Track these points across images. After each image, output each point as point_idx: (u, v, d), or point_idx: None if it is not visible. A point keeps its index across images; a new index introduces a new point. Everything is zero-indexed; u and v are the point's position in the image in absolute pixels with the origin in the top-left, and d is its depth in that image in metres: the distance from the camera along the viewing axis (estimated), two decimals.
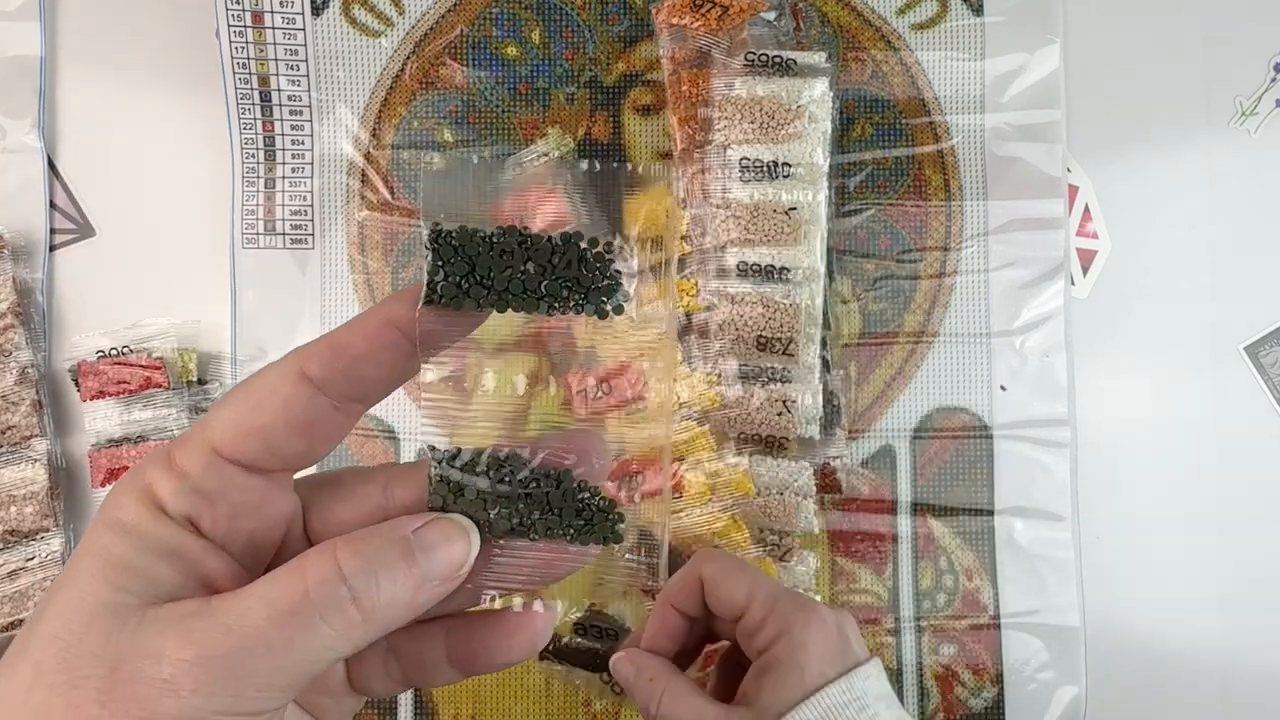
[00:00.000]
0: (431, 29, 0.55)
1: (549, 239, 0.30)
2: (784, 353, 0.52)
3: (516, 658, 0.27)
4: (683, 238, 0.53)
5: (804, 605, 0.40)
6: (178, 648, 0.21)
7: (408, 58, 0.55)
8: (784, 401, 0.51)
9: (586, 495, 0.29)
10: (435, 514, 0.26)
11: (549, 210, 0.54)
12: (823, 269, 0.52)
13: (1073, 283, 0.56)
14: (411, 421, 0.55)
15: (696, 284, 0.53)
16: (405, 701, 0.54)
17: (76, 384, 0.52)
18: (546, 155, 0.54)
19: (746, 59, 0.51)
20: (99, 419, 0.52)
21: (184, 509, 0.23)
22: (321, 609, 0.22)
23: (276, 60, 0.54)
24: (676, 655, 0.44)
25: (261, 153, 0.55)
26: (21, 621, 0.51)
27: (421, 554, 0.24)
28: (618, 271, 0.30)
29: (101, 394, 0.52)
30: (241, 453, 0.24)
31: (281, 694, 0.22)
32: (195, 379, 0.54)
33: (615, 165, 0.34)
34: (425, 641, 0.27)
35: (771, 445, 0.53)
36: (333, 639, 0.22)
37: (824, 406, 0.52)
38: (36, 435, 0.52)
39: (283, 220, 0.55)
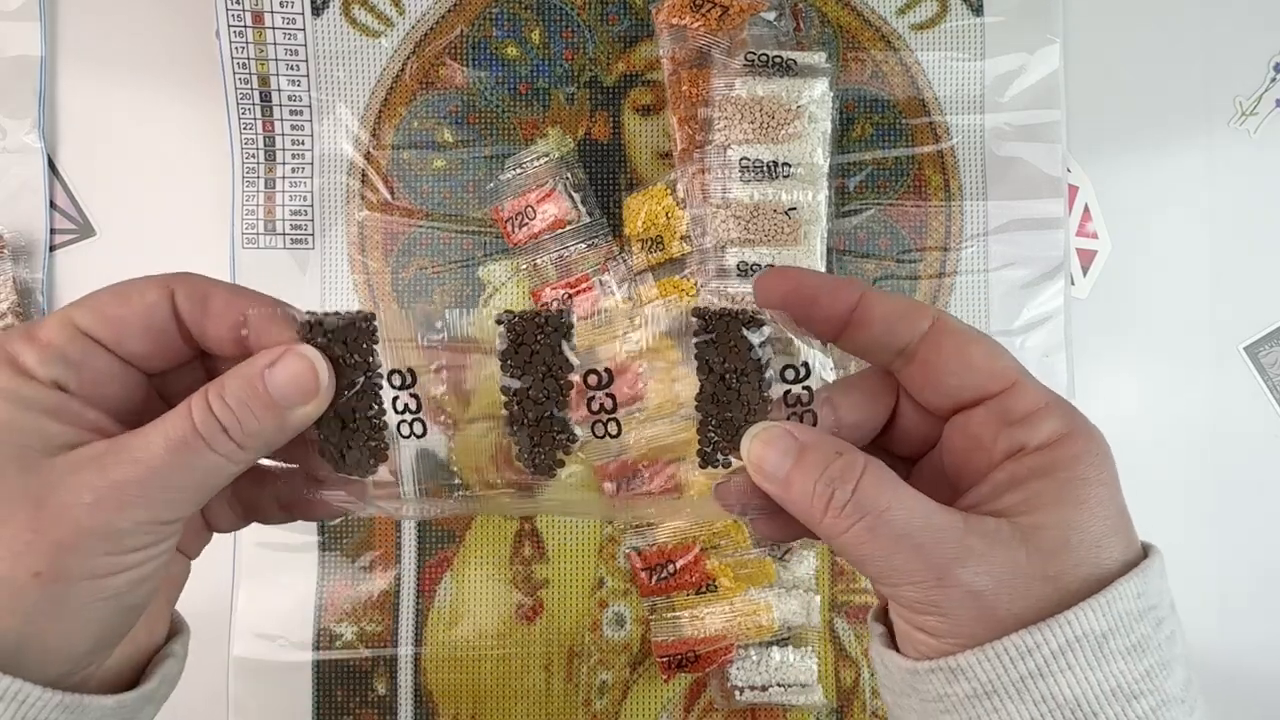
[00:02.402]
0: (431, 29, 0.55)
1: None
2: (784, 352, 0.52)
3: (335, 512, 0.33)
4: (682, 238, 0.53)
5: (1086, 423, 0.29)
6: (96, 477, 0.25)
7: (408, 58, 0.55)
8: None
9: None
10: (286, 347, 0.29)
11: (547, 208, 0.54)
12: (823, 269, 0.52)
13: (1072, 283, 0.56)
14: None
15: (696, 284, 0.53)
16: (405, 702, 0.54)
17: None
18: (546, 156, 0.54)
19: (746, 59, 0.51)
20: None
21: (51, 375, 0.27)
22: (207, 439, 0.27)
23: (277, 60, 0.54)
24: None
25: (261, 153, 0.55)
26: None
27: (274, 388, 0.28)
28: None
29: None
30: (98, 332, 0.28)
31: (187, 504, 0.27)
32: None
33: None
34: (261, 489, 0.32)
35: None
36: (221, 462, 0.27)
37: None
38: None
39: (283, 220, 0.55)
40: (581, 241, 0.54)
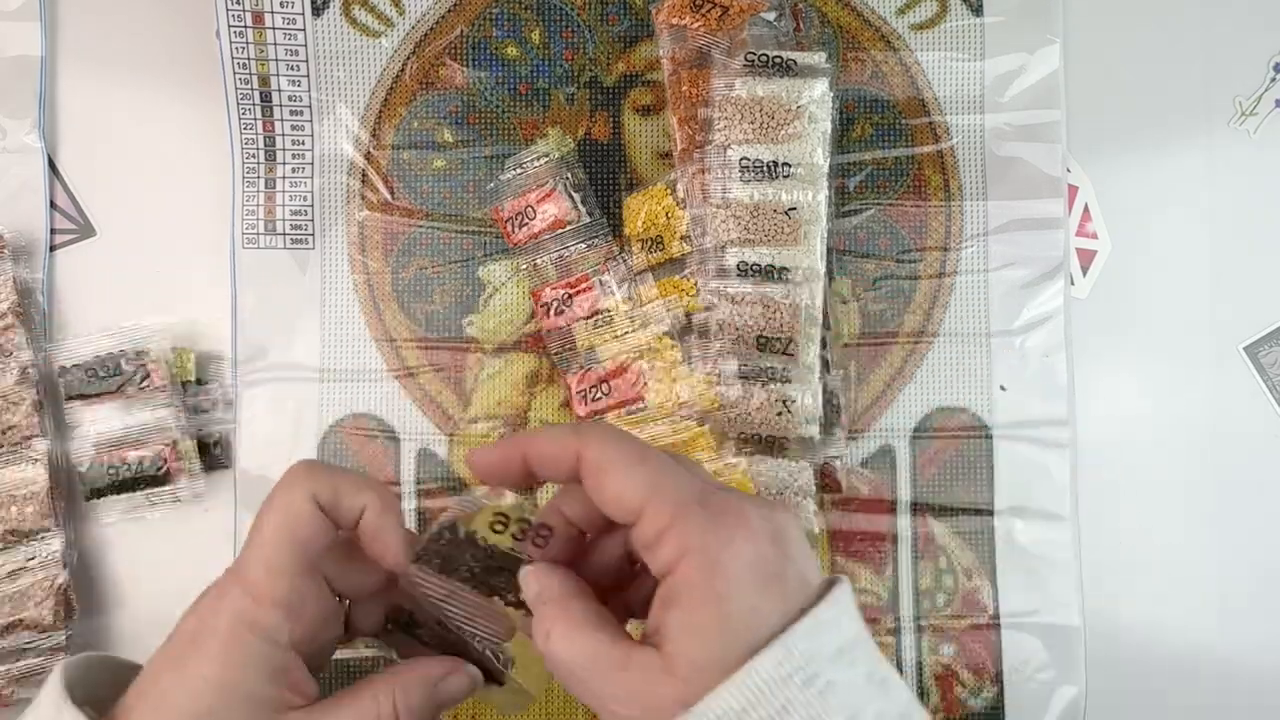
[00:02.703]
0: (431, 29, 0.55)
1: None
2: (784, 352, 0.52)
3: None
4: (682, 238, 0.53)
5: (721, 505, 0.29)
6: None
7: (408, 58, 0.55)
8: (784, 401, 0.51)
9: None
10: (456, 663, 0.36)
11: (547, 208, 0.54)
12: (823, 269, 0.52)
13: (1072, 283, 0.56)
14: (412, 423, 0.55)
15: (696, 284, 0.53)
16: None
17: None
18: (546, 156, 0.54)
19: (746, 59, 0.51)
20: (98, 420, 0.52)
21: (285, 637, 0.33)
22: None
23: (277, 60, 0.54)
24: (609, 583, 0.35)
25: (262, 153, 0.55)
26: (21, 621, 0.51)
27: (443, 697, 0.35)
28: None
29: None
30: (306, 566, 0.34)
31: None
32: (194, 379, 0.54)
33: None
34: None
35: (771, 445, 0.53)
36: None
37: (824, 406, 0.53)
38: (37, 435, 0.52)
39: (283, 220, 0.55)
40: (581, 241, 0.54)
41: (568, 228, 0.54)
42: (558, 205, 0.54)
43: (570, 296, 0.54)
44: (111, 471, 0.53)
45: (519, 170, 0.54)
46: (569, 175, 0.54)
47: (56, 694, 0.32)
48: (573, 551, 0.35)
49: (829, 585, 0.30)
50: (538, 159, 0.54)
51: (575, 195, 0.54)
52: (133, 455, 0.52)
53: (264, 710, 0.32)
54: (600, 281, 0.54)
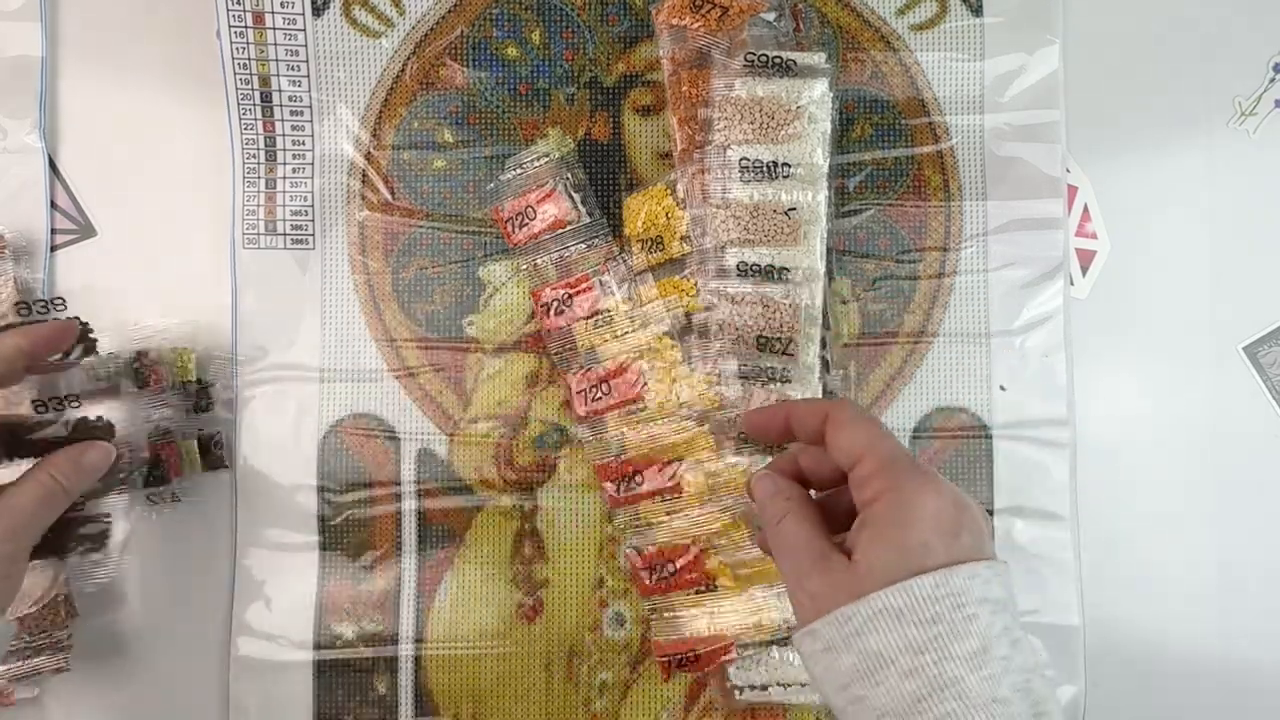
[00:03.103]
0: (432, 30, 0.55)
1: None
2: (784, 353, 0.52)
3: None
4: (682, 238, 0.53)
5: (921, 470, 0.38)
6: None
7: (408, 58, 0.55)
8: (784, 401, 0.51)
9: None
10: (92, 443, 0.48)
11: (547, 209, 0.54)
12: (822, 269, 0.52)
13: (1072, 283, 0.56)
14: (412, 423, 0.55)
15: (696, 284, 0.53)
16: (405, 701, 0.54)
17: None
18: (547, 156, 0.54)
19: (746, 59, 0.51)
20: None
21: None
22: (56, 498, 0.46)
23: (277, 60, 0.54)
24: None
25: (262, 153, 0.55)
26: (23, 620, 0.51)
27: (89, 463, 0.48)
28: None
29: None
30: None
31: (35, 536, 0.46)
32: (194, 379, 0.54)
33: None
34: None
35: (771, 445, 0.53)
36: (59, 509, 0.46)
37: None
38: None
39: (283, 220, 0.55)
40: (581, 242, 0.54)
41: (568, 228, 0.54)
42: (558, 205, 0.54)
43: (570, 297, 0.54)
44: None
45: (519, 170, 0.54)
46: (569, 175, 0.54)
47: None
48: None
49: (997, 561, 0.37)
50: (538, 159, 0.54)
51: (575, 195, 0.54)
52: (133, 456, 0.52)
53: None
54: (600, 282, 0.54)
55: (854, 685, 0.35)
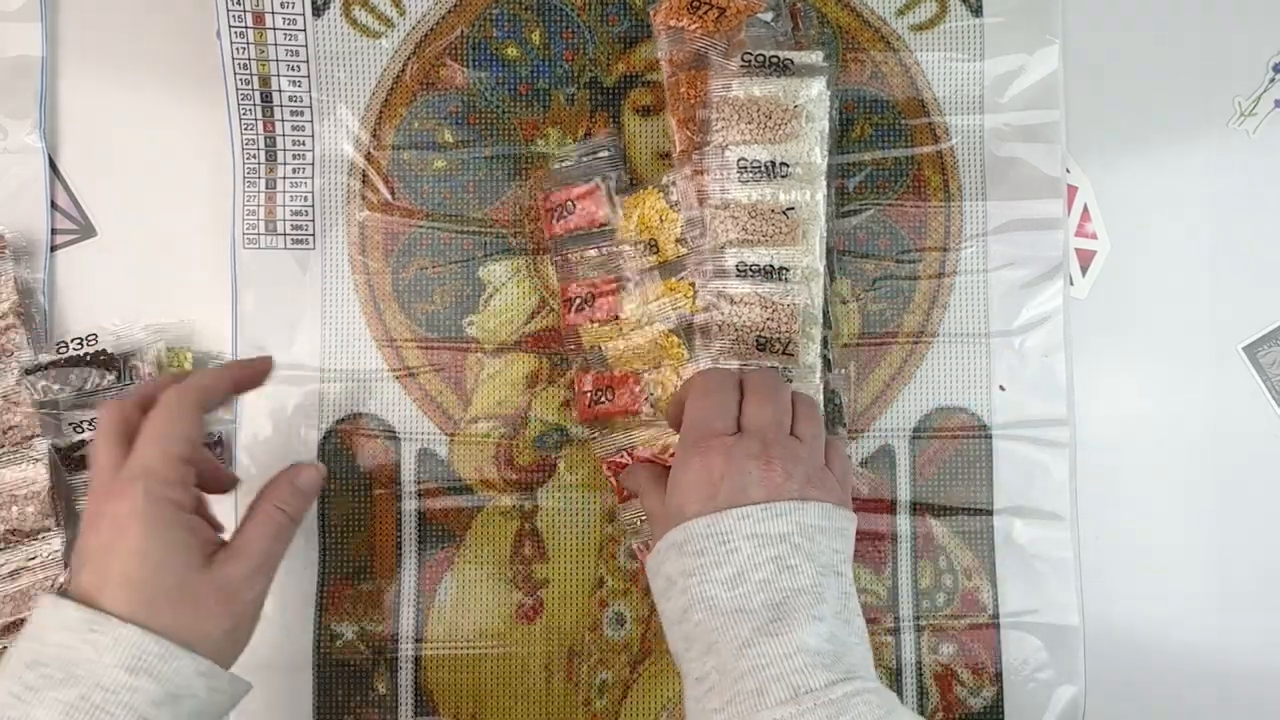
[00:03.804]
0: (432, 30, 0.55)
1: None
2: (784, 352, 0.52)
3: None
4: (677, 240, 0.53)
5: (685, 446, 0.45)
6: (239, 568, 0.43)
7: (408, 58, 0.55)
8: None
9: None
10: (304, 464, 0.48)
11: (586, 206, 0.53)
12: (822, 268, 0.52)
13: (1071, 283, 0.56)
14: (412, 422, 0.55)
15: (693, 285, 0.53)
16: (405, 701, 0.54)
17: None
18: (598, 153, 0.54)
19: (743, 60, 0.51)
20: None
21: (190, 504, 0.43)
22: (283, 529, 0.46)
23: (277, 61, 0.54)
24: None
25: (262, 153, 0.55)
26: (23, 620, 0.51)
27: (305, 486, 0.48)
28: None
29: None
30: (188, 455, 0.43)
31: (274, 570, 0.45)
32: None
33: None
34: None
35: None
36: (290, 539, 0.46)
37: (825, 406, 0.53)
38: (38, 435, 0.52)
39: (283, 220, 0.55)
40: (612, 244, 0.54)
41: (603, 229, 0.53)
42: (596, 205, 0.53)
43: (593, 297, 0.53)
44: None
45: (569, 161, 0.54)
46: (613, 177, 0.54)
47: (49, 599, 0.41)
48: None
49: (799, 502, 0.43)
50: (590, 154, 0.54)
51: (616, 199, 0.54)
52: None
53: (195, 557, 0.41)
54: (626, 289, 0.53)
55: (660, 600, 0.44)
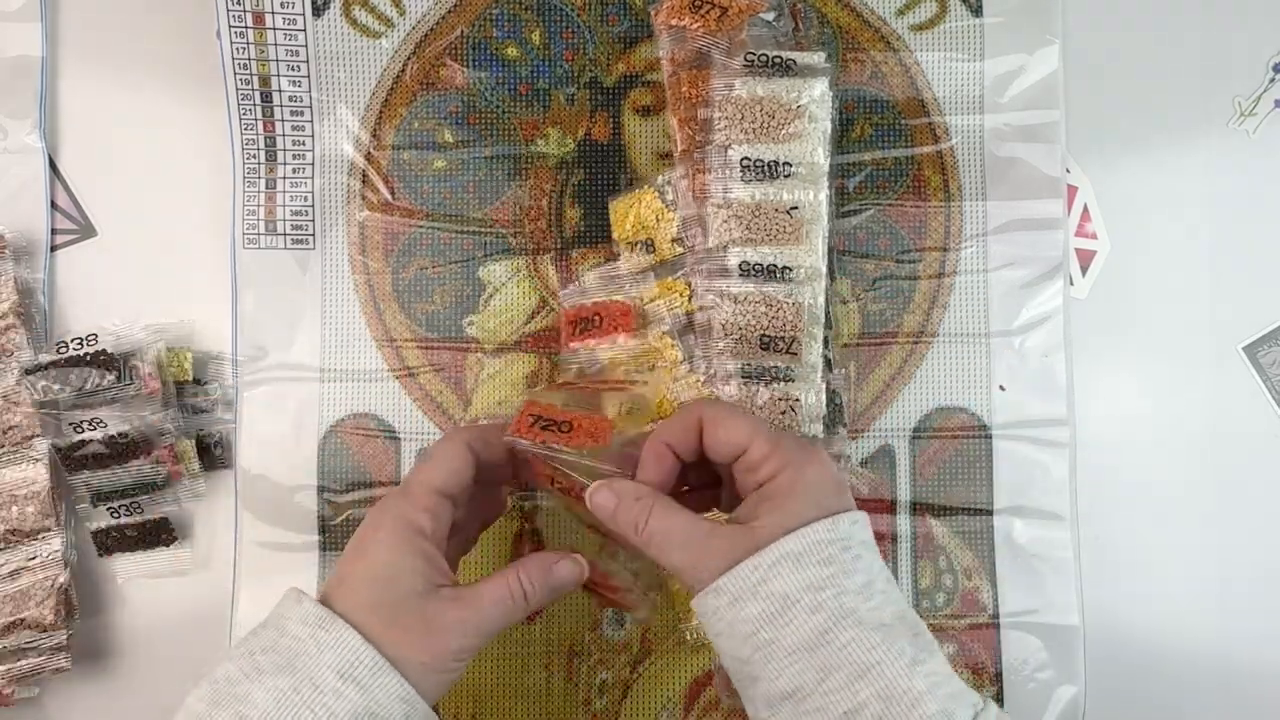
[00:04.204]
0: (432, 30, 0.55)
1: None
2: (787, 351, 0.52)
3: None
4: (674, 240, 0.53)
5: (806, 445, 0.43)
6: (456, 613, 0.41)
7: (408, 58, 0.55)
8: (788, 401, 0.51)
9: None
10: (565, 554, 0.46)
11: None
12: (824, 268, 0.52)
13: (1071, 283, 0.56)
14: (412, 422, 0.55)
15: (690, 284, 0.53)
16: None
17: None
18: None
19: (746, 59, 0.51)
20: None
21: (429, 529, 0.43)
22: (514, 600, 0.43)
23: (277, 61, 0.54)
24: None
25: (262, 153, 0.55)
26: (23, 620, 0.51)
27: (557, 579, 0.44)
28: None
29: None
30: (450, 490, 0.44)
31: (488, 637, 0.42)
32: (192, 379, 0.54)
33: None
34: None
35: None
36: (516, 617, 0.43)
37: (827, 405, 0.53)
38: (38, 435, 0.52)
39: (283, 220, 0.55)
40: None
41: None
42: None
43: (600, 319, 0.53)
44: (112, 511, 0.53)
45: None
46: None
47: (294, 593, 0.42)
48: (668, 481, 0.45)
49: (859, 511, 0.42)
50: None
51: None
52: (132, 464, 0.52)
53: (421, 582, 0.41)
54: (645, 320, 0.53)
55: (762, 630, 0.38)
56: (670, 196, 0.53)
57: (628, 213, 0.54)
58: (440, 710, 0.54)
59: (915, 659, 0.37)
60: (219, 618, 0.54)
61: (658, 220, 0.53)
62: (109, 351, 0.52)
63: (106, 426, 0.52)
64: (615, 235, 0.54)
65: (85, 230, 0.55)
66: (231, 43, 0.54)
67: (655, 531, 0.42)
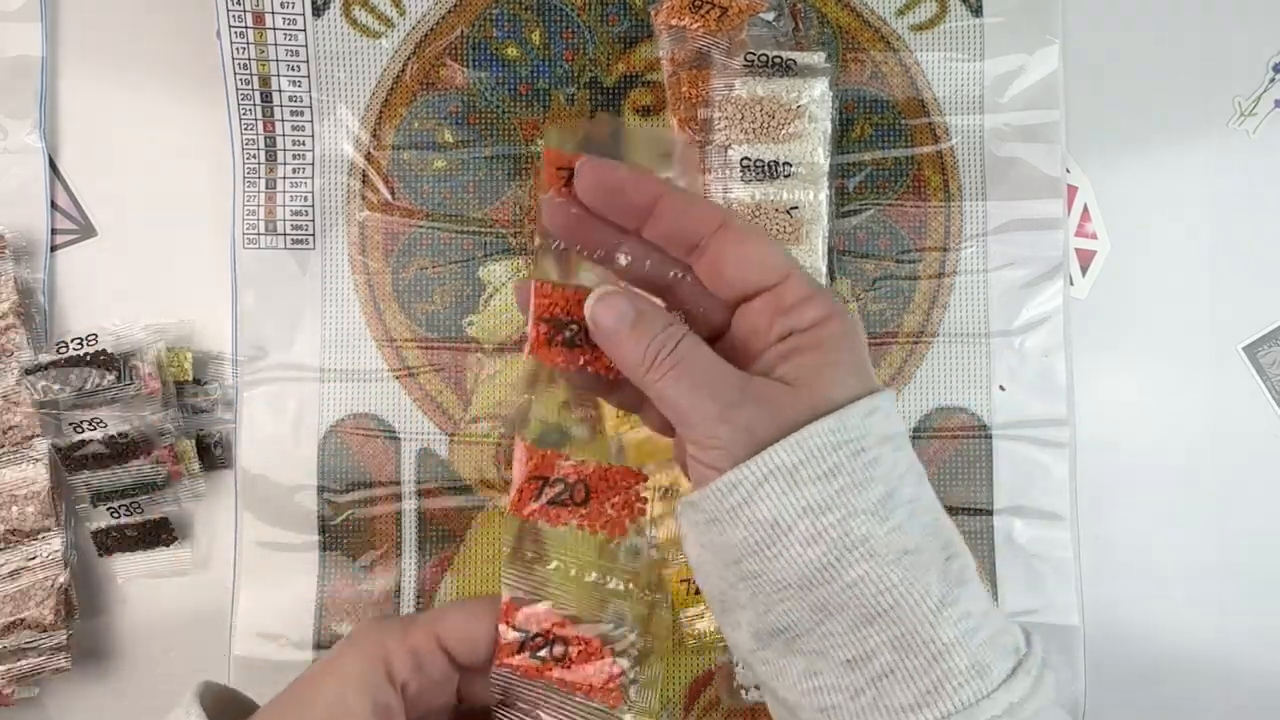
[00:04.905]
0: (432, 30, 0.55)
1: None
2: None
3: None
4: None
5: (840, 301, 0.34)
6: None
7: (408, 58, 0.55)
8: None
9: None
10: None
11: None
12: (824, 268, 0.52)
13: (1071, 283, 0.56)
14: (412, 422, 0.55)
15: None
16: None
17: None
18: None
19: (746, 59, 0.51)
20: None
21: (404, 678, 0.34)
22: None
23: (277, 61, 0.54)
24: None
25: (262, 153, 0.55)
26: (23, 620, 0.51)
27: None
28: None
29: None
30: (454, 648, 0.35)
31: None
32: (192, 379, 0.54)
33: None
34: None
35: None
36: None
37: None
38: (38, 435, 0.52)
39: (283, 220, 0.55)
40: None
41: None
42: None
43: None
44: (112, 511, 0.53)
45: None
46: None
47: (190, 699, 0.36)
48: None
49: (886, 388, 0.33)
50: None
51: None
52: (132, 464, 0.52)
53: None
54: None
55: (746, 560, 0.30)
56: None
57: None
58: None
59: (944, 599, 0.29)
60: (219, 618, 0.54)
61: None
62: (109, 351, 0.52)
63: (106, 426, 0.52)
64: None
65: (85, 230, 0.55)
66: (231, 43, 0.54)
67: (684, 362, 0.31)
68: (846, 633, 0.29)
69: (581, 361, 0.35)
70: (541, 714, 0.36)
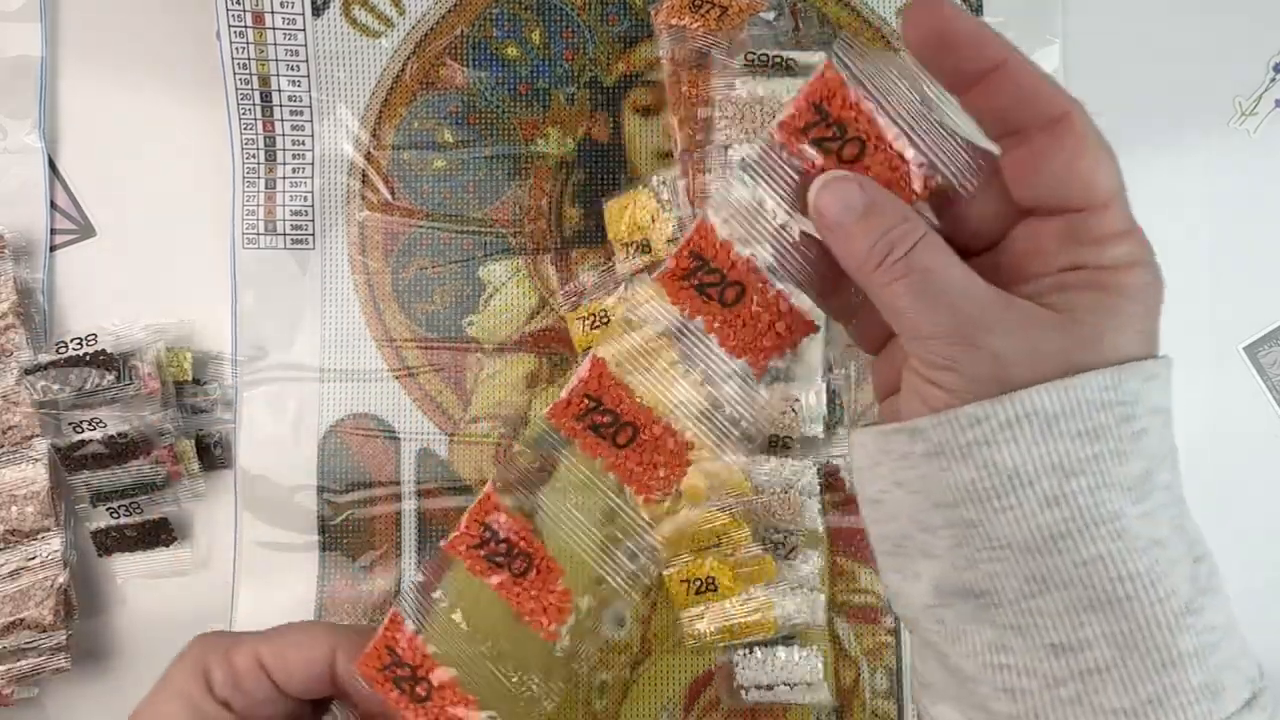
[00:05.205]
0: (432, 29, 0.55)
1: None
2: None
3: None
4: (669, 240, 0.53)
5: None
6: None
7: (408, 58, 0.55)
8: (788, 401, 0.51)
9: None
10: None
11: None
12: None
13: None
14: (411, 422, 0.55)
15: None
16: None
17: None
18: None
19: (746, 59, 0.51)
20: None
21: (225, 695, 0.35)
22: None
23: (277, 60, 0.54)
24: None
25: (262, 153, 0.55)
26: (23, 620, 0.51)
27: None
28: None
29: None
30: (273, 670, 0.36)
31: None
32: (191, 379, 0.54)
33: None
34: None
35: (774, 444, 0.53)
36: None
37: (827, 405, 0.53)
38: (37, 435, 0.52)
39: (283, 220, 0.55)
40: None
41: None
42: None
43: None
44: (112, 511, 0.53)
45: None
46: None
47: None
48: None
49: (1166, 357, 0.29)
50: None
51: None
52: (132, 464, 0.52)
53: None
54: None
55: (965, 506, 0.26)
56: (665, 196, 0.53)
57: (622, 214, 0.54)
58: None
59: (1190, 605, 0.26)
60: (219, 618, 0.54)
61: (653, 221, 0.53)
62: (109, 351, 0.52)
63: (106, 426, 0.52)
64: (610, 236, 0.54)
65: (85, 230, 0.55)
66: (231, 43, 0.54)
67: (921, 265, 0.27)
68: (1061, 614, 0.25)
69: (700, 318, 0.32)
70: None
